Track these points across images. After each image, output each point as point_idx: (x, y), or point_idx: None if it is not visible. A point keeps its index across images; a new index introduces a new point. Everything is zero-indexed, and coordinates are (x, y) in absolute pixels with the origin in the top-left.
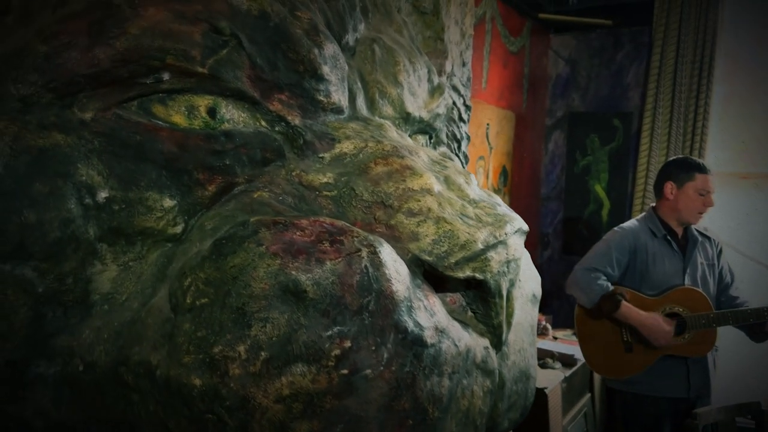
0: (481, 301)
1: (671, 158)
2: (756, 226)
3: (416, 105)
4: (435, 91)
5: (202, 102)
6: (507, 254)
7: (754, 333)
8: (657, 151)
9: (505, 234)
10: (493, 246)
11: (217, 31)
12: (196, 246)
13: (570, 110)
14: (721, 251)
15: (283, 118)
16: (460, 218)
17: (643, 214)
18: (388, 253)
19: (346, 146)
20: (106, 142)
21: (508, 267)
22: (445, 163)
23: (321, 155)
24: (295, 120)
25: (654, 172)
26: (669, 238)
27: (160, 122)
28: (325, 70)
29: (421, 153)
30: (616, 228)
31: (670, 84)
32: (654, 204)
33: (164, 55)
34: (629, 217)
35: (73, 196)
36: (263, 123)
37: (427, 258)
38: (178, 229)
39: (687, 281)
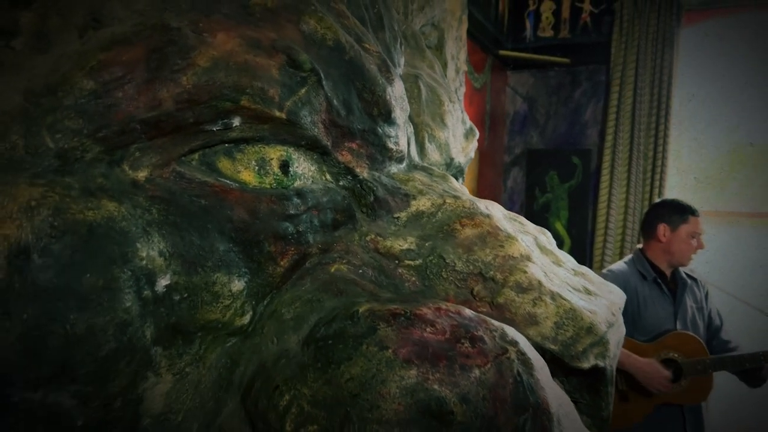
0: (587, 389)
1: (661, 199)
2: (724, 263)
3: (457, 149)
4: (469, 133)
5: (275, 154)
6: (618, 333)
7: (750, 378)
8: (617, 188)
9: (619, 309)
10: (611, 325)
11: (296, 65)
12: (272, 342)
13: (528, 147)
14: (707, 293)
15: (351, 170)
16: (571, 292)
17: (630, 256)
18: (530, 350)
19: (422, 203)
20: (165, 211)
21: (617, 348)
22: (519, 219)
23: (396, 215)
24: (363, 173)
25: (615, 209)
26: (659, 281)
27: (227, 181)
28: (398, 112)
29: (493, 208)
30: (605, 271)
31: (628, 122)
32: (641, 246)
33: (239, 95)
34: (590, 255)
35: (131, 288)
36: (328, 177)
37: (552, 347)
38: (246, 318)
39: (678, 325)
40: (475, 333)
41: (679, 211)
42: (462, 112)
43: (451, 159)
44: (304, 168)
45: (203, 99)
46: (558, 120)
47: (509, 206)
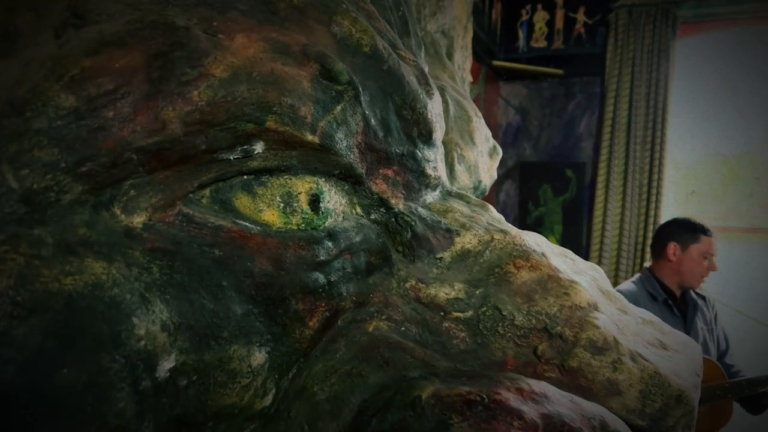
0: None
1: (673, 218)
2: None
3: (484, 169)
4: (493, 152)
5: (303, 187)
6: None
7: (754, 405)
8: (613, 202)
9: (701, 367)
10: (697, 388)
11: (331, 76)
12: (302, 431)
13: (521, 160)
14: (716, 314)
15: (386, 201)
16: (648, 348)
17: (639, 275)
18: None
19: (468, 240)
20: (169, 268)
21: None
22: (568, 254)
23: (438, 255)
24: (399, 204)
25: (610, 224)
26: (669, 302)
27: (247, 224)
28: (438, 133)
29: (541, 242)
30: None
31: (624, 135)
32: (649, 264)
33: (265, 115)
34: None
35: (125, 382)
36: (358, 210)
37: (640, 422)
38: (268, 399)
39: None
40: (573, 426)
41: (690, 230)
42: (486, 128)
43: (480, 181)
44: (334, 202)
45: (219, 120)
46: (551, 132)
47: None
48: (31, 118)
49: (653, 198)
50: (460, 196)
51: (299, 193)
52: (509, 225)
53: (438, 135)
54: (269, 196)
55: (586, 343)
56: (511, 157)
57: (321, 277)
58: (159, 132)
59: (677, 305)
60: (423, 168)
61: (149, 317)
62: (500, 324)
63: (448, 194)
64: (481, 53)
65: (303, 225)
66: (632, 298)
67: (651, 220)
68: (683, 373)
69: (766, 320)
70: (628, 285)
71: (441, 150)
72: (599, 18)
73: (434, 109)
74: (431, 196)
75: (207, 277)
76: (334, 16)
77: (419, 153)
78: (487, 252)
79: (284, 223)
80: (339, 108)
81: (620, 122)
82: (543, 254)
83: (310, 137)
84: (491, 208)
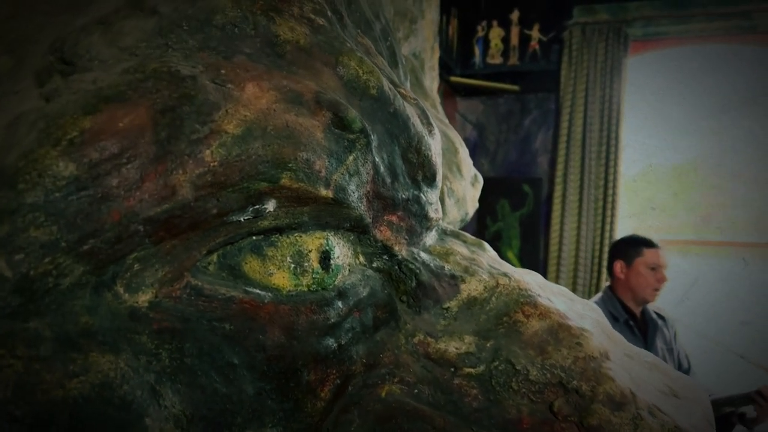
0: None
1: (619, 238)
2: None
3: (469, 200)
4: (475, 180)
5: (314, 244)
6: None
7: (722, 425)
8: (569, 217)
9: (713, 416)
10: None
11: (343, 125)
12: None
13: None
14: (676, 333)
15: (389, 249)
16: (661, 398)
17: (600, 295)
18: None
19: (473, 287)
20: (179, 351)
21: None
22: (564, 292)
23: (445, 305)
24: (402, 251)
25: (567, 239)
26: (631, 323)
27: (258, 291)
28: (440, 174)
29: (539, 281)
30: None
31: (579, 150)
32: (609, 283)
33: (280, 172)
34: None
35: None
36: (361, 259)
37: None
38: None
39: None
40: None
41: (633, 246)
42: (469, 157)
43: (466, 213)
44: (342, 255)
45: (233, 180)
46: (508, 148)
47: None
48: (24, 191)
49: (608, 212)
50: (456, 235)
51: (310, 251)
52: (508, 265)
53: (440, 176)
54: (279, 258)
55: (604, 397)
56: None
57: (332, 342)
58: (169, 199)
59: (638, 325)
60: (426, 212)
61: (162, 414)
62: (514, 379)
63: (444, 233)
64: (439, 69)
65: (314, 285)
66: None
67: (607, 234)
68: (699, 423)
69: (719, 338)
70: None
71: (439, 190)
72: (554, 35)
73: (437, 149)
74: (430, 238)
75: (218, 357)
76: (340, 57)
77: (423, 197)
78: (494, 299)
79: (295, 286)
80: (351, 158)
81: (575, 138)
82: (549, 299)
83: (324, 192)
84: (487, 246)
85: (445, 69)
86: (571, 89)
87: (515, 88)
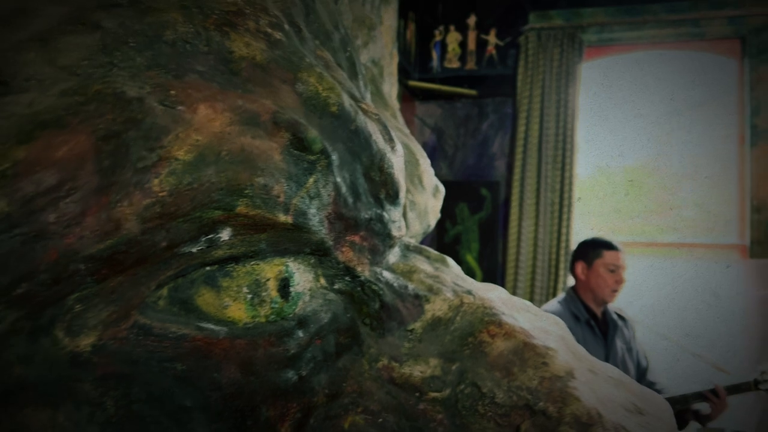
0: None
1: (582, 240)
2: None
3: (431, 211)
4: (436, 191)
5: (272, 272)
6: None
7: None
8: (527, 220)
9: (676, 429)
10: None
11: (303, 146)
12: None
13: (438, 179)
14: (634, 333)
15: (351, 270)
16: (627, 416)
17: (563, 296)
18: None
19: (438, 307)
20: (126, 398)
21: None
22: (528, 307)
23: (410, 327)
24: (365, 271)
25: (525, 241)
26: (592, 323)
27: (212, 326)
28: (403, 191)
29: (504, 296)
30: None
31: (535, 154)
32: (573, 285)
33: (235, 200)
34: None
35: None
36: (323, 281)
37: None
38: None
39: None
40: None
41: (593, 247)
42: (431, 167)
43: (429, 225)
44: (303, 280)
45: (184, 210)
46: (466, 152)
47: (421, 239)
48: None
49: (564, 215)
50: (419, 251)
51: (268, 280)
52: (472, 281)
53: (403, 193)
54: (235, 288)
55: (571, 419)
56: None
57: (292, 374)
58: (113, 234)
59: (598, 325)
60: (389, 230)
61: None
62: (480, 402)
63: (407, 249)
64: (397, 74)
65: (272, 315)
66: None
67: (563, 236)
68: None
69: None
70: (553, 305)
71: (401, 206)
72: (510, 40)
73: (400, 166)
74: (393, 255)
75: (170, 401)
76: (298, 73)
77: (386, 215)
78: (458, 318)
79: (252, 317)
80: (312, 180)
81: (532, 141)
82: (513, 317)
83: (283, 218)
84: (450, 261)
85: (403, 73)
86: (528, 93)
87: (473, 92)
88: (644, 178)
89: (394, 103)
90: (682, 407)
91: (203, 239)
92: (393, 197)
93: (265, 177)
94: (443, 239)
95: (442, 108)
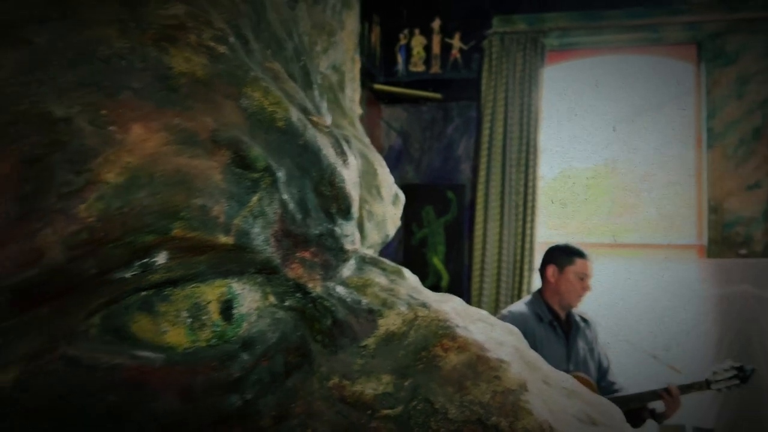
0: None
1: (555, 244)
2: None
3: (390, 220)
4: (396, 200)
5: (213, 294)
6: None
7: (633, 419)
8: (492, 222)
9: None
10: None
11: (245, 163)
12: None
13: (404, 182)
14: (596, 335)
15: (302, 287)
16: (579, 426)
17: (529, 297)
18: None
19: (392, 321)
20: None
21: None
22: (484, 317)
23: (363, 343)
24: (317, 287)
25: (490, 243)
26: (555, 323)
27: (149, 354)
28: (356, 204)
29: (459, 307)
30: (504, 312)
31: (500, 157)
32: (540, 288)
33: (170, 223)
34: (468, 290)
35: None
36: (272, 299)
37: None
38: None
39: (570, 367)
40: None
41: (566, 254)
42: (390, 175)
43: (387, 235)
44: (248, 300)
45: (114, 236)
46: (432, 155)
47: (388, 243)
48: None
49: (528, 217)
50: (375, 263)
51: (209, 303)
52: (427, 293)
53: (356, 207)
54: (174, 313)
55: None
56: (394, 180)
57: (236, 399)
58: (35, 263)
59: (561, 326)
60: (342, 245)
61: None
62: (432, 419)
63: (363, 261)
64: (362, 77)
65: (214, 339)
66: (521, 318)
67: (528, 238)
68: None
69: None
70: (519, 306)
71: (355, 219)
72: (474, 44)
73: (352, 179)
74: (348, 268)
75: None
76: (243, 87)
77: (338, 230)
78: (412, 332)
79: (192, 342)
80: (255, 199)
81: (496, 145)
82: (467, 329)
83: (223, 239)
84: (406, 272)
85: (368, 76)
86: (492, 97)
87: (438, 96)
88: (605, 180)
89: (356, 110)
90: (638, 405)
91: (137, 264)
92: (345, 211)
93: (204, 198)
94: (410, 242)
95: (407, 111)
